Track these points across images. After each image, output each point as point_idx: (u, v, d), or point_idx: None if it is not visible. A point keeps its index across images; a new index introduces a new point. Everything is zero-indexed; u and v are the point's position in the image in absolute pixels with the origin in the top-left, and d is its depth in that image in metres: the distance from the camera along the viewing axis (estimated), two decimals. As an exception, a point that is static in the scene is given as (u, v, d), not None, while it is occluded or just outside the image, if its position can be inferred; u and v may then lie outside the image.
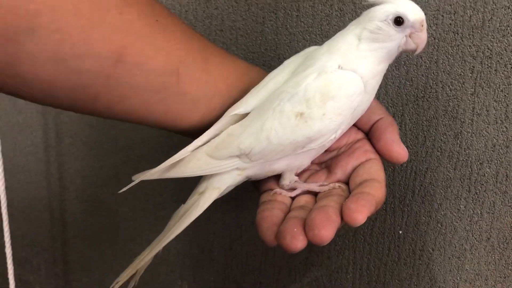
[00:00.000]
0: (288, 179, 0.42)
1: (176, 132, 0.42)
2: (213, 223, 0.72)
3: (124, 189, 0.40)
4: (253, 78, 0.43)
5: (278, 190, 0.42)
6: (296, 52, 0.57)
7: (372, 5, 0.39)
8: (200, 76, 0.40)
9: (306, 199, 0.42)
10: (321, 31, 0.56)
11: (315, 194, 0.42)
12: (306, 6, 0.56)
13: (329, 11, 0.55)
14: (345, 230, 0.63)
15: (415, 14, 0.37)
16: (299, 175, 0.45)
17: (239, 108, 0.41)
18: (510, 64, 0.50)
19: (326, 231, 0.33)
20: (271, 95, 0.40)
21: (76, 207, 0.80)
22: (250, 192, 0.48)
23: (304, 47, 0.57)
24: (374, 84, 0.40)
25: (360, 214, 0.34)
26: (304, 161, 0.42)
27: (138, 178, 0.41)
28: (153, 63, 0.36)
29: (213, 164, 0.40)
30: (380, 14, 0.37)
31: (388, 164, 0.57)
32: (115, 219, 0.78)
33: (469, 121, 0.53)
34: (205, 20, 0.61)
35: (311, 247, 0.58)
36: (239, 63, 0.44)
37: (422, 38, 0.38)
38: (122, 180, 0.73)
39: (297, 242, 0.34)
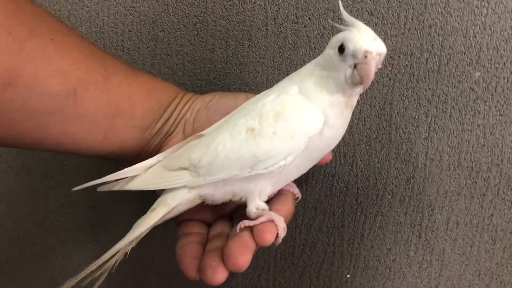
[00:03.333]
0: (254, 206, 0.39)
1: (77, 154, 0.39)
2: (151, 258, 0.67)
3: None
4: (160, 94, 0.42)
5: (241, 223, 0.38)
6: (247, 83, 0.54)
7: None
8: (99, 97, 0.38)
9: (221, 225, 0.42)
10: (273, 63, 0.53)
11: (230, 217, 0.43)
12: (258, 36, 0.53)
13: (283, 43, 0.52)
14: (291, 271, 0.60)
15: (357, 43, 0.33)
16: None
17: (208, 129, 0.41)
18: (464, 110, 0.48)
19: (242, 258, 0.34)
20: (233, 114, 0.40)
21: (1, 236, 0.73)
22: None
23: (255, 78, 0.53)
24: (334, 117, 0.36)
25: (268, 234, 0.36)
26: (262, 186, 0.39)
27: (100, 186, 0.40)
28: (47, 86, 0.34)
29: (166, 176, 0.39)
30: (333, 40, 0.35)
31: (338, 205, 0.54)
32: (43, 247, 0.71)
33: (422, 165, 0.51)
34: (149, 42, 0.57)
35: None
36: (145, 80, 0.42)
37: (364, 70, 0.33)
38: (51, 207, 0.66)
39: (218, 275, 0.34)
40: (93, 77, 0.37)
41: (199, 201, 0.40)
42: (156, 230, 0.65)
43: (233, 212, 0.45)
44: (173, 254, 0.65)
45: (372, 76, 0.33)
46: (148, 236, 0.66)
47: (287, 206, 0.41)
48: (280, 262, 0.60)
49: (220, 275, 0.34)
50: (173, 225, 0.64)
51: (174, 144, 0.42)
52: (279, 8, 0.51)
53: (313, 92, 0.36)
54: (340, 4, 0.36)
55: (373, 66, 0.32)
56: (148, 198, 0.43)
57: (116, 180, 0.41)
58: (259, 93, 0.43)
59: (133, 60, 0.57)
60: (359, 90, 0.36)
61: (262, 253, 0.61)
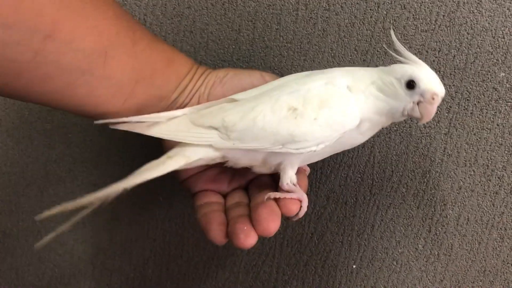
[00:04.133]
0: (288, 178, 0.39)
1: (92, 117, 0.39)
2: (152, 240, 0.66)
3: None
4: (177, 65, 0.42)
5: (271, 194, 0.39)
6: (271, 67, 0.54)
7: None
8: (127, 60, 0.38)
9: (239, 195, 0.43)
10: (300, 49, 0.53)
11: (245, 189, 0.44)
12: (287, 20, 0.53)
13: (312, 30, 0.52)
14: (296, 259, 0.60)
15: (429, 84, 0.36)
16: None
17: (240, 95, 0.40)
18: (485, 108, 0.50)
19: (274, 223, 0.37)
20: (273, 88, 0.40)
21: (-9, 207, 0.70)
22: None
23: (279, 62, 0.53)
24: (367, 128, 0.39)
25: (294, 205, 0.39)
26: (294, 161, 0.40)
27: (114, 124, 0.39)
28: (82, 43, 0.34)
29: (192, 130, 0.38)
30: (398, 71, 0.37)
31: (351, 195, 0.55)
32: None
33: (439, 160, 0.52)
34: (174, 18, 0.56)
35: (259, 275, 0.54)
36: (167, 49, 0.42)
37: (428, 110, 0.36)
38: (52, 180, 0.64)
39: (250, 238, 0.36)
40: (123, 39, 0.37)
41: (220, 161, 0.40)
42: (160, 209, 0.64)
43: (248, 183, 0.45)
44: (176, 237, 0.64)
45: (432, 115, 0.36)
46: (150, 216, 0.65)
47: (304, 183, 0.43)
48: (286, 250, 0.60)
49: (252, 238, 0.36)
50: (178, 206, 0.63)
51: None
52: (312, -6, 0.51)
53: (362, 103, 0.38)
54: (393, 36, 0.37)
55: (436, 108, 0.36)
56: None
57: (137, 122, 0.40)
58: (280, 76, 0.43)
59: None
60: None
61: (268, 239, 0.61)
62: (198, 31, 0.56)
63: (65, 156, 0.65)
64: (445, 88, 0.47)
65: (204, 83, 0.44)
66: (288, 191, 0.40)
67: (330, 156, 0.55)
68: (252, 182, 0.45)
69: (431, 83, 0.35)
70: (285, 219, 0.40)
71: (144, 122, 0.39)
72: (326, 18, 0.51)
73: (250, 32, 0.54)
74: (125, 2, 0.56)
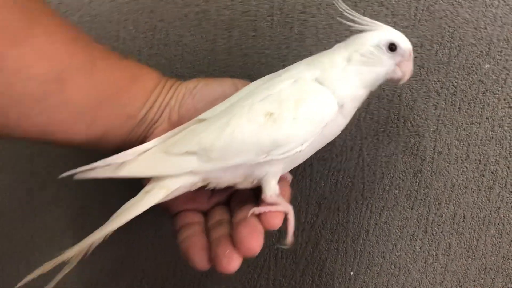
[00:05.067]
0: (270, 190, 0.38)
1: (59, 145, 0.37)
2: (144, 259, 0.64)
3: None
4: (143, 80, 0.40)
5: (255, 209, 0.37)
6: (249, 75, 0.52)
7: (357, 32, 0.38)
8: (85, 82, 0.36)
9: (220, 212, 0.41)
10: (279, 54, 0.51)
11: (226, 204, 0.42)
12: (263, 26, 0.51)
13: (289, 34, 0.51)
14: (292, 270, 0.58)
15: (407, 43, 0.37)
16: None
17: (207, 113, 0.39)
18: (473, 102, 0.48)
19: (256, 242, 0.34)
20: (241, 98, 0.38)
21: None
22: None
23: (258, 70, 0.52)
24: (351, 108, 0.38)
25: (276, 219, 0.36)
26: (276, 170, 0.38)
27: (78, 174, 0.37)
28: (32, 70, 0.32)
29: (168, 162, 0.36)
30: (373, 39, 0.37)
31: (343, 201, 0.53)
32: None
33: (430, 159, 0.50)
34: (147, 32, 0.54)
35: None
36: (131, 65, 0.41)
37: (409, 67, 0.38)
38: (38, 208, 0.62)
39: (233, 262, 0.34)
40: (79, 61, 0.36)
41: (201, 185, 0.38)
42: (149, 228, 0.62)
43: (229, 198, 0.43)
44: (167, 255, 0.62)
45: (412, 71, 0.38)
46: (139, 236, 0.63)
47: (287, 192, 0.40)
48: (281, 261, 0.58)
49: (235, 262, 0.34)
50: (167, 223, 0.62)
51: (160, 134, 0.40)
52: (286, -2, 0.49)
53: (337, 84, 0.37)
54: (342, 5, 0.37)
55: (412, 63, 0.38)
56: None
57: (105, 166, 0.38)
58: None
59: (129, 50, 0.55)
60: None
61: (262, 252, 0.58)
62: (172, 44, 0.54)
63: (48, 182, 0.63)
64: (430, 84, 0.46)
65: (174, 96, 0.42)
66: (272, 204, 0.38)
67: (319, 163, 0.54)
68: (233, 196, 0.43)
69: (407, 41, 0.37)
70: (279, 245, 0.38)
71: (111, 164, 0.37)
72: (303, 21, 0.50)
73: (226, 41, 0.52)
74: (95, 19, 0.55)
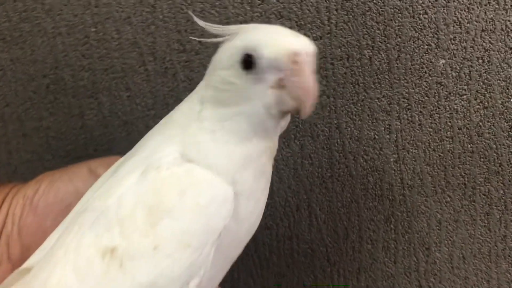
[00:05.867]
0: None
1: None
2: None
3: None
4: None
5: None
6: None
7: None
8: None
9: None
10: (168, 111, 0.38)
11: None
12: (137, 80, 0.38)
13: (173, 82, 0.38)
14: None
15: (274, 45, 0.23)
16: None
17: (34, 257, 0.25)
18: (436, 113, 0.36)
19: None
20: (73, 218, 0.25)
21: None
22: None
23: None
24: (253, 179, 0.24)
25: None
26: None
27: None
28: None
29: None
30: (226, 56, 0.24)
31: (306, 273, 0.40)
32: None
33: (400, 197, 0.38)
34: (-5, 124, 0.40)
35: None
36: None
37: (301, 84, 0.23)
38: None
39: None
40: None
41: None
42: None
43: None
44: None
45: (314, 90, 0.23)
46: None
47: None
48: None
49: None
50: None
51: None
52: (154, 38, 0.36)
53: (209, 150, 0.24)
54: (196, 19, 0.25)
55: (310, 74, 0.22)
56: None
57: None
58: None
59: (-22, 155, 0.41)
60: (285, 123, 0.25)
61: None
62: (32, 132, 0.40)
63: None
64: (373, 103, 0.33)
65: (10, 213, 0.30)
66: None
67: (263, 233, 0.40)
68: None
69: (278, 40, 0.23)
70: None
71: None
72: (185, 62, 0.37)
73: (96, 111, 0.39)
74: None
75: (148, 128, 0.39)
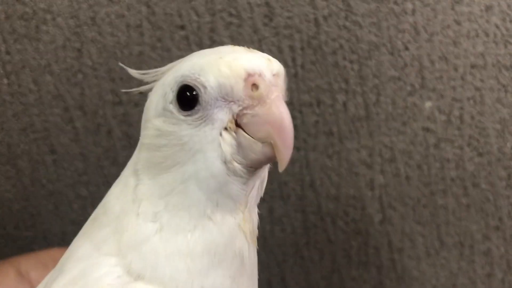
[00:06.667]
0: None
1: None
2: None
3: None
4: None
5: None
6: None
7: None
8: None
9: None
10: (97, 169, 0.32)
11: None
12: (64, 141, 0.31)
13: (108, 142, 0.31)
14: None
15: (223, 67, 0.18)
16: None
17: None
18: (425, 163, 0.33)
19: None
20: None
21: None
22: None
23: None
24: (228, 282, 0.18)
25: None
26: None
27: None
28: None
29: None
30: (157, 97, 0.19)
31: None
32: None
33: (388, 262, 0.35)
34: None
35: None
36: None
37: (269, 117, 0.17)
38: None
39: None
40: None
41: None
42: None
43: None
44: None
45: (289, 122, 0.17)
46: None
47: None
48: None
49: None
50: None
51: None
52: (82, 89, 0.30)
53: (157, 254, 0.18)
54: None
55: (280, 101, 0.17)
56: None
57: None
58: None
59: None
60: (260, 182, 0.19)
61: None
62: None
63: None
64: (342, 153, 0.28)
65: None
66: None
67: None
68: None
69: (227, 59, 0.18)
70: None
71: None
72: (122, 116, 0.31)
73: (14, 180, 0.33)
74: None
75: (79, 198, 0.33)
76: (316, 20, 0.29)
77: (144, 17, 0.30)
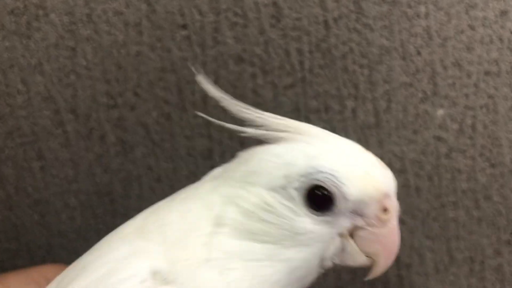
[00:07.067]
0: None
1: None
2: None
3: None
4: None
5: None
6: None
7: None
8: None
9: None
10: (88, 177, 0.30)
11: None
12: (53, 146, 0.29)
13: (101, 148, 0.29)
14: None
15: (365, 182, 0.18)
16: None
17: None
18: (436, 174, 0.30)
19: None
20: None
21: None
22: None
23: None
24: None
25: None
26: None
27: None
28: None
29: None
30: (276, 173, 0.19)
31: None
32: None
33: (396, 278, 0.32)
34: None
35: None
36: None
37: (385, 239, 0.19)
38: None
39: None
40: None
41: None
42: None
43: None
44: None
45: (397, 249, 0.19)
46: None
47: None
48: None
49: None
50: None
51: None
52: (75, 90, 0.28)
53: None
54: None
55: (398, 229, 0.19)
56: None
57: None
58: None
59: None
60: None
61: None
62: None
63: None
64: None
65: None
66: None
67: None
68: None
69: (367, 173, 0.19)
70: None
71: None
72: (117, 121, 0.29)
73: None
74: None
75: (67, 208, 0.31)
76: (325, 22, 0.28)
77: (143, 15, 0.28)
